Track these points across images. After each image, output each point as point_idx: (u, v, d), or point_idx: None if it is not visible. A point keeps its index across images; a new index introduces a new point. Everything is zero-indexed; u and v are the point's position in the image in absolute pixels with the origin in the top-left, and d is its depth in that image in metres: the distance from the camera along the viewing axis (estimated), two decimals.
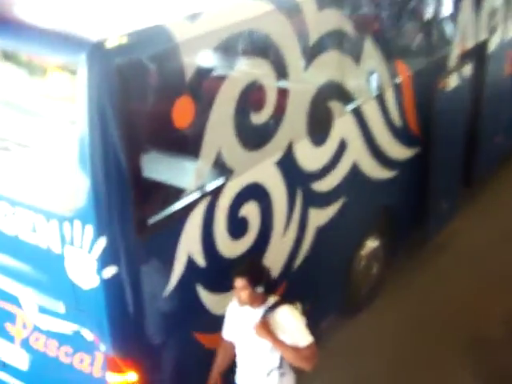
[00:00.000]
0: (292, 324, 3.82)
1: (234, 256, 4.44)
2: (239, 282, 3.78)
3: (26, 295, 4.13)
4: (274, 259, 4.84)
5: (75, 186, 3.56)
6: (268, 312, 3.82)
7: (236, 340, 3.98)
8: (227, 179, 4.27)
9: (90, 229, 3.55)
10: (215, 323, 4.28)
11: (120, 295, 3.80)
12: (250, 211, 4.51)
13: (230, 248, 4.39)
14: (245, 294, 3.79)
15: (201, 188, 4.10)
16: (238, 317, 3.95)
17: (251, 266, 3.95)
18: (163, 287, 3.95)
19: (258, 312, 3.83)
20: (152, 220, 3.76)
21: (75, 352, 4.11)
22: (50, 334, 4.13)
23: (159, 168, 3.96)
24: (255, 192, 4.52)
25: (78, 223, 3.58)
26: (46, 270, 3.93)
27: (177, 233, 3.96)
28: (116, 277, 3.69)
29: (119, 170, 3.53)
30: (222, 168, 4.21)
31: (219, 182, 4.23)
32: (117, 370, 3.91)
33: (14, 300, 4.21)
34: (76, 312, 3.94)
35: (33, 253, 3.91)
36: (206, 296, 4.26)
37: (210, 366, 4.29)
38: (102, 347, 3.90)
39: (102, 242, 3.58)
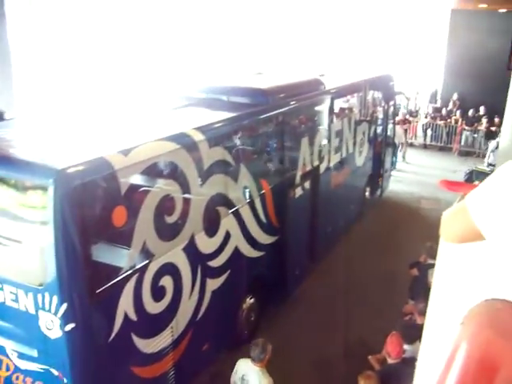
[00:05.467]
0: None
1: (156, 312, 4.63)
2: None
3: (9, 346, 4.22)
4: (183, 314, 5.04)
5: (46, 269, 3.70)
6: None
7: None
8: (150, 260, 4.45)
9: (55, 298, 3.74)
10: (145, 359, 4.51)
11: (77, 343, 3.92)
12: (167, 282, 4.70)
13: (153, 307, 4.57)
14: None
15: (132, 267, 4.29)
16: None
17: None
18: (108, 335, 4.11)
19: None
20: (99, 290, 3.96)
21: None
22: (27, 373, 4.23)
23: (104, 254, 4.11)
24: (170, 269, 4.71)
25: (47, 294, 3.78)
26: (25, 327, 4.05)
27: (116, 298, 4.13)
28: (74, 330, 3.83)
29: (76, 257, 3.69)
30: (146, 253, 4.39)
31: (145, 262, 4.42)
32: None
33: (0, 350, 4.30)
34: (46, 356, 4.03)
35: (15, 315, 4.02)
36: (138, 340, 4.45)
37: None
38: (65, 380, 4.03)
39: (64, 306, 3.74)
